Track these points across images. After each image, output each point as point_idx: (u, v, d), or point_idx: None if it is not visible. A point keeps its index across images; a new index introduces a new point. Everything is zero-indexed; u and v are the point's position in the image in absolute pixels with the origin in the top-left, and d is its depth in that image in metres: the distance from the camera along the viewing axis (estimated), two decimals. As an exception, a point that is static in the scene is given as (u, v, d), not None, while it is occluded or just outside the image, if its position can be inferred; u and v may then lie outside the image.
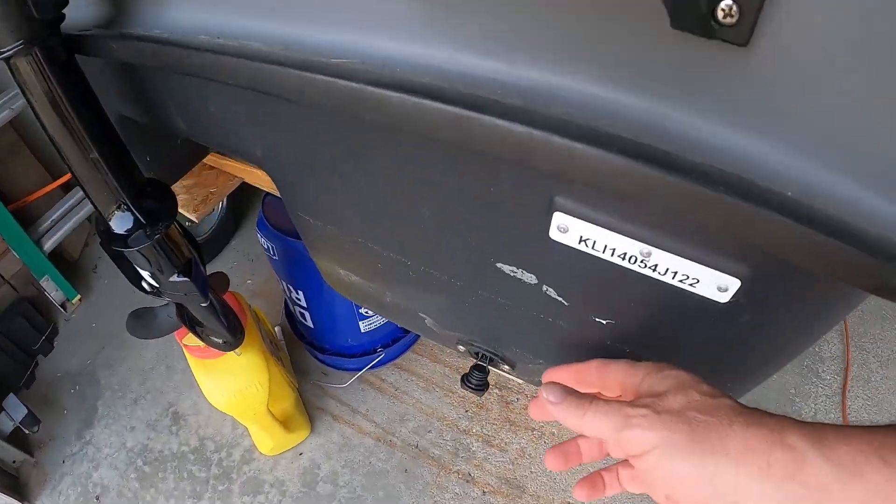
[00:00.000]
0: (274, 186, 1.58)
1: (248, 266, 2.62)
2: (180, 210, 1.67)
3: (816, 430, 0.41)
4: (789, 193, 0.41)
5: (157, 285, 1.00)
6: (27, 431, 2.08)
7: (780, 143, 0.41)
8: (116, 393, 2.28)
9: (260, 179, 1.62)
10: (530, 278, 0.65)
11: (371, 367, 2.14)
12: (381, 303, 0.94)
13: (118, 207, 0.79)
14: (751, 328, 0.57)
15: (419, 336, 2.26)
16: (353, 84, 0.49)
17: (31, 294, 2.38)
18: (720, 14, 0.35)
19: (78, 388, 2.32)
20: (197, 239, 2.40)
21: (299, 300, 1.93)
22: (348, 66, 0.51)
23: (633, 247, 0.54)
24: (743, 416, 0.43)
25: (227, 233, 2.68)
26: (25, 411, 2.04)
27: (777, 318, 0.56)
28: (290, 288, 1.90)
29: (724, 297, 0.53)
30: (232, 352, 1.47)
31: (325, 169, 0.70)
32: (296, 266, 1.77)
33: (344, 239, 0.81)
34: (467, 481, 1.93)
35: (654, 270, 0.55)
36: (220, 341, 1.33)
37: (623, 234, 0.53)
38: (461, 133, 0.47)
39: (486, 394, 2.06)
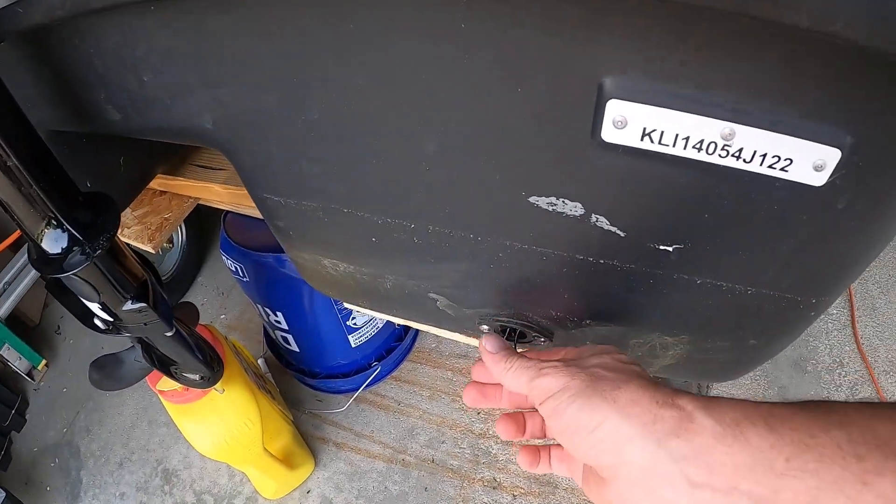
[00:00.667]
0: (231, 201, 1.47)
1: (219, 301, 2.51)
2: (135, 243, 1.57)
3: (709, 398, 0.42)
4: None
5: (111, 319, 0.89)
6: (9, 516, 1.97)
7: None
8: (99, 459, 2.16)
9: (215, 195, 1.50)
10: (575, 209, 0.52)
11: (368, 385, 2.03)
12: (380, 293, 0.80)
13: (48, 224, 0.68)
14: (845, 217, 0.48)
15: (414, 341, 2.17)
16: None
17: (-7, 369, 2.29)
18: None
19: (58, 461, 2.20)
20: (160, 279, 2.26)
21: (279, 323, 1.80)
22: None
23: (712, 129, 0.43)
24: (644, 379, 0.45)
25: (191, 268, 2.57)
26: (3, 495, 1.94)
27: (875, 198, 0.47)
28: (268, 311, 1.77)
29: (820, 178, 0.44)
30: (214, 390, 1.34)
31: (292, 117, 0.57)
32: (269, 284, 1.65)
33: (324, 215, 0.68)
34: (494, 488, 1.81)
35: (737, 158, 0.44)
36: (198, 377, 1.19)
37: (699, 113, 0.42)
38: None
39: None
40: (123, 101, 0.65)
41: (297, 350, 1.92)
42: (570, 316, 0.67)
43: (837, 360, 1.87)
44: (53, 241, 0.69)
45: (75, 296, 0.82)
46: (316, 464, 1.96)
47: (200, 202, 1.65)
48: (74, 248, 0.70)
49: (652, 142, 0.44)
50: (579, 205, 0.51)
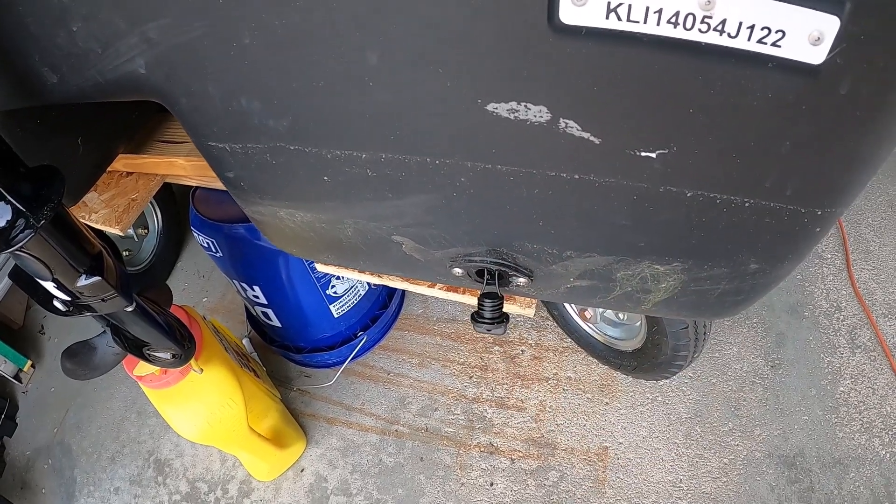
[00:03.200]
0: (197, 174, 1.41)
1: (200, 284, 2.47)
2: (103, 226, 1.52)
3: None
4: None
5: (69, 298, 0.85)
6: (4, 523, 1.94)
7: None
8: (91, 456, 2.13)
9: (180, 169, 1.45)
10: (540, 114, 0.46)
11: (355, 356, 1.98)
12: (342, 243, 0.74)
13: None
14: (849, 106, 0.42)
15: (400, 308, 2.13)
16: None
17: (-21, 377, 2.26)
18: None
19: (51, 462, 2.17)
20: (139, 268, 2.22)
21: (258, 298, 1.75)
22: None
23: None
24: None
25: (170, 254, 2.52)
26: None
27: (883, 80, 0.41)
28: (244, 286, 1.72)
29: (819, 54, 0.38)
30: (194, 371, 1.30)
31: (223, 45, 0.52)
32: (243, 256, 1.60)
33: (271, 157, 0.63)
34: (491, 453, 1.78)
35: (720, 33, 0.38)
36: (170, 356, 1.14)
37: (673, -24, 0.35)
38: None
39: (486, 353, 1.94)
40: (57, 59, 0.63)
41: (280, 325, 1.87)
42: (548, 248, 0.61)
43: (835, 304, 1.85)
44: (-4, 215, 0.67)
45: (32, 278, 0.80)
46: (308, 441, 1.92)
47: (167, 180, 1.59)
48: (19, 221, 0.67)
49: (619, 19, 0.38)
50: (544, 108, 0.45)
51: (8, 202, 0.66)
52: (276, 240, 0.81)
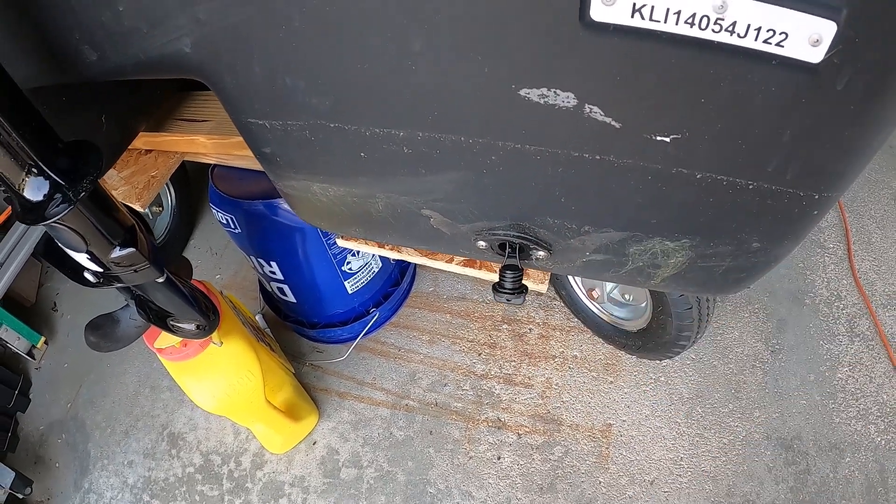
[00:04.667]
0: (217, 151, 1.45)
1: (213, 261, 2.49)
2: (124, 202, 1.55)
3: None
4: None
5: (101, 269, 0.88)
6: (20, 495, 1.99)
7: None
8: (105, 430, 2.17)
9: (201, 147, 1.48)
10: (567, 100, 0.50)
11: (367, 332, 2.02)
12: (372, 217, 0.78)
13: (28, 172, 0.67)
14: (845, 100, 0.47)
15: (411, 286, 2.16)
16: None
17: (-8, 353, 2.27)
18: None
19: (65, 437, 2.20)
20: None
21: (274, 274, 1.78)
22: None
23: (704, 1, 0.41)
24: None
25: (184, 231, 2.54)
26: (13, 475, 1.96)
27: (875, 77, 0.45)
28: (261, 261, 1.75)
29: (817, 54, 0.43)
30: (212, 343, 1.33)
31: (273, 27, 0.55)
32: (261, 233, 1.63)
33: (311, 134, 0.66)
34: (499, 428, 1.83)
35: (731, 33, 0.43)
36: (194, 327, 1.17)
37: (692, -21, 0.40)
38: None
39: (495, 331, 1.98)
40: (99, 37, 0.64)
41: (294, 301, 1.91)
42: (567, 223, 0.66)
43: (835, 293, 1.88)
44: (35, 189, 0.68)
45: (62, 250, 0.82)
46: (320, 415, 1.96)
47: (186, 158, 1.63)
48: (56, 195, 0.69)
49: (643, 18, 0.43)
50: (572, 95, 0.50)
51: (47, 176, 0.68)
52: (305, 214, 0.85)
